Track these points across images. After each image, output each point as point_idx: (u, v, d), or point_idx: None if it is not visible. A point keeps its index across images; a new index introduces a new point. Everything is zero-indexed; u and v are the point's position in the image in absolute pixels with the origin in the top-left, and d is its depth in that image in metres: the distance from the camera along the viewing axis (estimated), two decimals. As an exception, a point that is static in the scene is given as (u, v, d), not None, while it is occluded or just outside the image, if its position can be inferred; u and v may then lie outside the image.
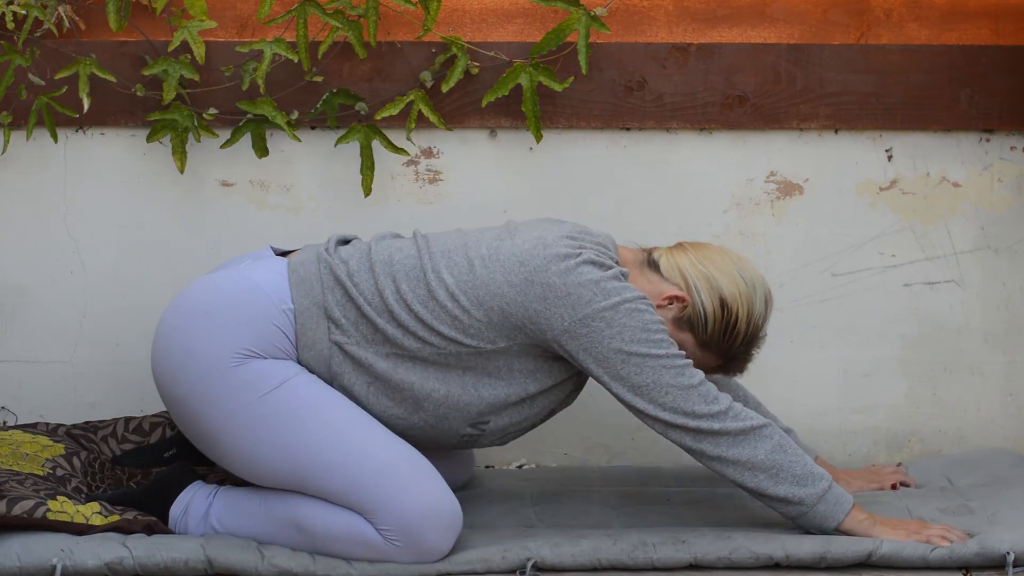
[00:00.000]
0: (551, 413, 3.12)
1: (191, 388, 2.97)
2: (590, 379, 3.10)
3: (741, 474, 2.97)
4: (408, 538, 2.90)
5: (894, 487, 3.36)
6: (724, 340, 3.08)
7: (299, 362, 3.01)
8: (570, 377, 3.08)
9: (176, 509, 3.05)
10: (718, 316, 3.06)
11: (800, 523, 3.00)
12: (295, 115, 3.48)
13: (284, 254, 3.17)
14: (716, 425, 2.95)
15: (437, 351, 2.99)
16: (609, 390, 2.99)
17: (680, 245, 3.13)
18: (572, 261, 2.98)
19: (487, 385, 3.02)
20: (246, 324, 2.97)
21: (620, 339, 2.94)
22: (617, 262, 3.07)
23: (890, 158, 3.60)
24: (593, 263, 2.99)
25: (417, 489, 2.93)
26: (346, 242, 3.15)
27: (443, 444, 3.09)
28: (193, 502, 3.05)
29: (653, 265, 3.10)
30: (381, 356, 3.00)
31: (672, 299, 3.07)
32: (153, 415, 3.41)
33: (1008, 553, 2.94)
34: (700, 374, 2.97)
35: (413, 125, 3.45)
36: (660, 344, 2.96)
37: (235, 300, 3.00)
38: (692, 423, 2.95)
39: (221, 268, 3.17)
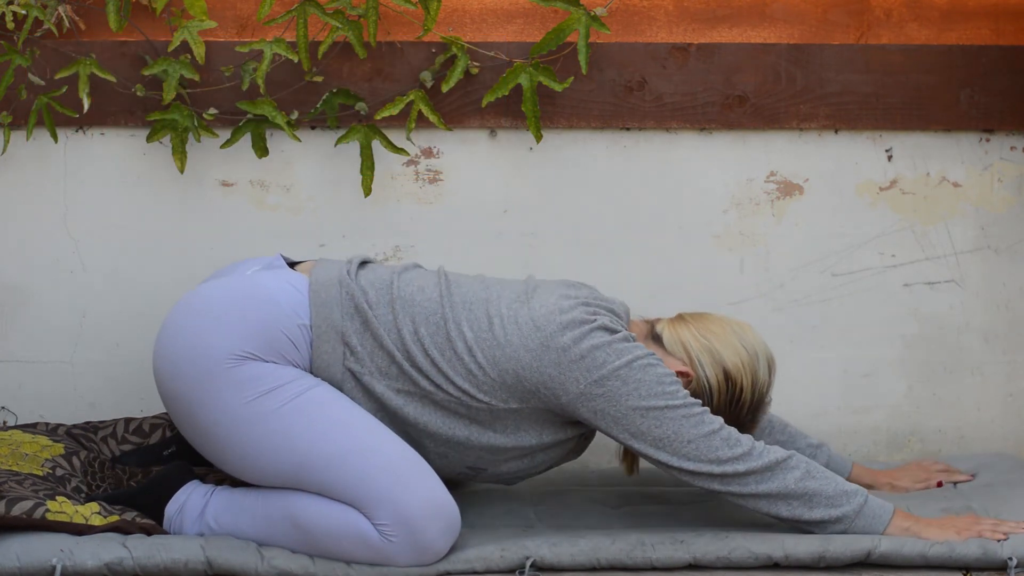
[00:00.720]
0: (551, 467, 3.15)
1: (190, 385, 2.98)
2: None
3: (775, 506, 2.99)
4: (406, 533, 2.91)
5: (939, 484, 3.37)
6: (730, 410, 3.11)
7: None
8: (574, 438, 3.11)
9: (171, 508, 3.06)
10: (723, 388, 3.08)
11: None
12: (295, 115, 3.48)
13: (292, 264, 3.19)
14: (741, 467, 2.97)
15: (448, 397, 3.02)
16: (631, 448, 3.02)
17: (681, 317, 3.15)
18: (586, 327, 3.00)
19: (491, 437, 3.05)
20: (254, 330, 2.98)
21: (636, 395, 2.97)
22: (627, 328, 3.10)
23: (890, 158, 3.60)
24: (605, 328, 3.02)
25: (418, 485, 2.93)
26: (367, 262, 3.16)
27: (440, 475, 3.10)
28: (189, 501, 3.05)
29: (656, 339, 3.13)
30: (393, 391, 3.03)
31: (677, 375, 3.08)
32: (153, 416, 3.41)
33: (1010, 558, 2.93)
34: (719, 419, 2.99)
35: (413, 125, 3.45)
36: (675, 395, 2.99)
37: (246, 305, 3.01)
38: (718, 469, 2.97)
39: (228, 272, 3.18)
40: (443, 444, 3.05)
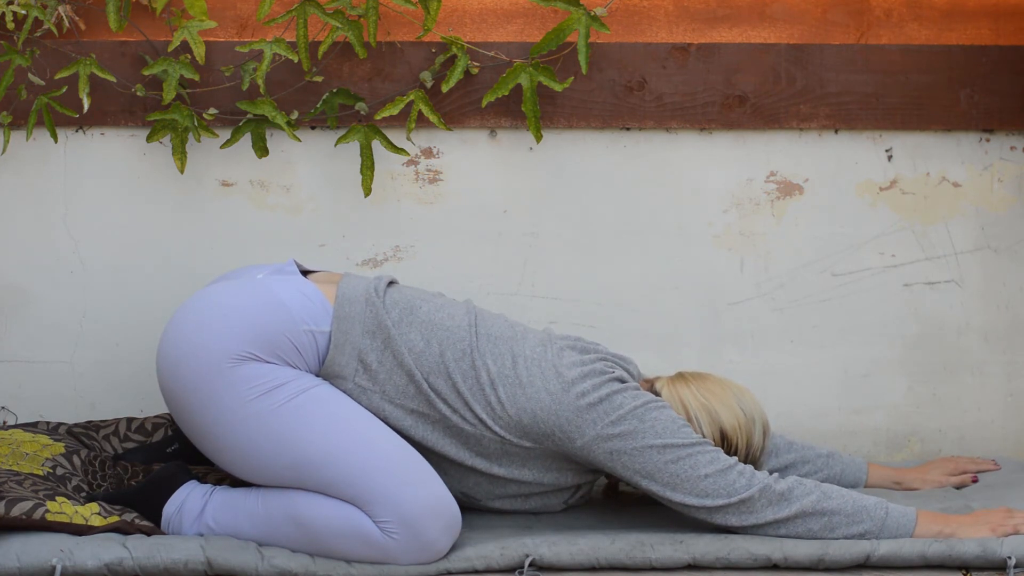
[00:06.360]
0: (541, 512, 3.19)
1: (191, 385, 2.99)
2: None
3: (796, 530, 3.01)
4: (408, 530, 2.91)
5: (975, 480, 3.39)
6: None
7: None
8: (571, 488, 3.16)
9: (169, 508, 3.06)
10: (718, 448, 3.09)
11: None
12: (295, 115, 3.48)
13: (306, 272, 3.20)
14: (756, 494, 2.99)
15: (463, 422, 3.05)
16: (646, 490, 3.05)
17: (681, 376, 3.18)
18: (605, 377, 3.06)
19: (495, 468, 3.09)
20: (258, 332, 3.00)
21: (653, 432, 3.01)
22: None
23: (890, 158, 3.60)
24: (620, 380, 3.08)
25: (419, 483, 2.95)
26: (393, 283, 3.18)
27: None
28: (188, 501, 3.05)
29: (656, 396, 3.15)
30: (405, 411, 3.06)
31: None
32: (155, 416, 3.41)
33: (1009, 557, 2.93)
34: (733, 458, 3.03)
35: (413, 125, 3.45)
36: (690, 435, 3.03)
37: (251, 308, 3.02)
38: (735, 499, 2.99)
39: (237, 275, 3.19)
40: (445, 465, 3.08)
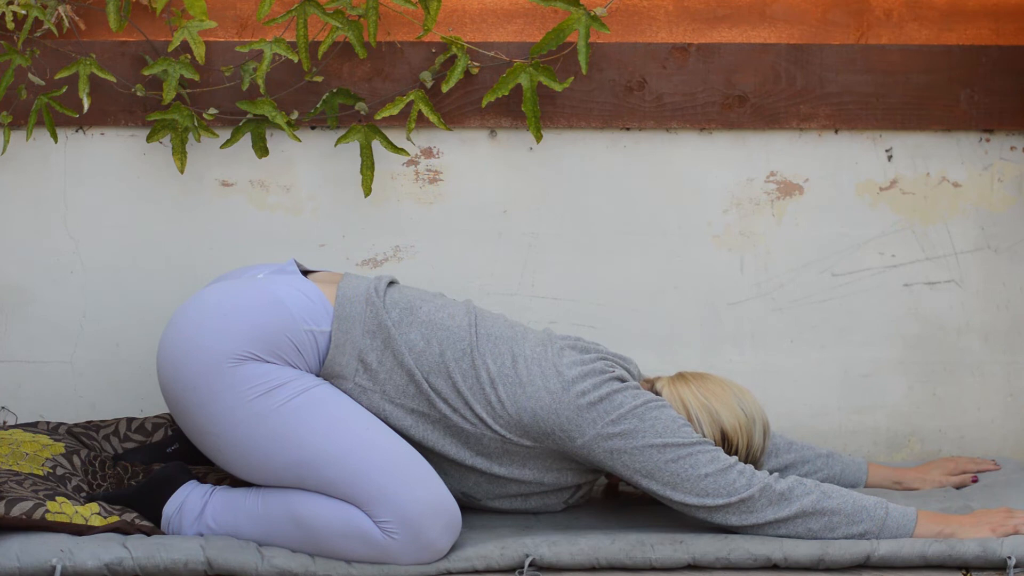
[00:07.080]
0: (540, 512, 3.19)
1: (192, 385, 2.99)
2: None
3: (796, 529, 3.01)
4: (408, 530, 2.91)
5: (975, 480, 3.39)
6: None
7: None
8: (572, 488, 3.17)
9: (170, 508, 3.06)
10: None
11: None
12: (295, 115, 3.48)
13: (306, 272, 3.20)
14: (757, 494, 2.99)
15: (464, 421, 3.05)
16: (646, 490, 3.05)
17: (681, 376, 3.19)
18: (605, 376, 3.06)
19: (495, 468, 3.09)
20: (258, 332, 3.00)
21: (653, 432, 3.02)
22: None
23: (890, 158, 3.60)
24: (620, 379, 3.08)
25: (419, 483, 2.95)
26: (393, 283, 3.18)
27: None
28: (188, 501, 3.06)
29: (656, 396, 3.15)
30: (406, 411, 3.06)
31: None
32: (155, 416, 3.41)
33: (1009, 557, 2.93)
34: (734, 457, 3.03)
35: (413, 125, 3.45)
36: (690, 434, 3.03)
37: (251, 308, 3.02)
38: (735, 498, 3.00)
39: (237, 275, 3.20)
40: (445, 465, 3.08)
